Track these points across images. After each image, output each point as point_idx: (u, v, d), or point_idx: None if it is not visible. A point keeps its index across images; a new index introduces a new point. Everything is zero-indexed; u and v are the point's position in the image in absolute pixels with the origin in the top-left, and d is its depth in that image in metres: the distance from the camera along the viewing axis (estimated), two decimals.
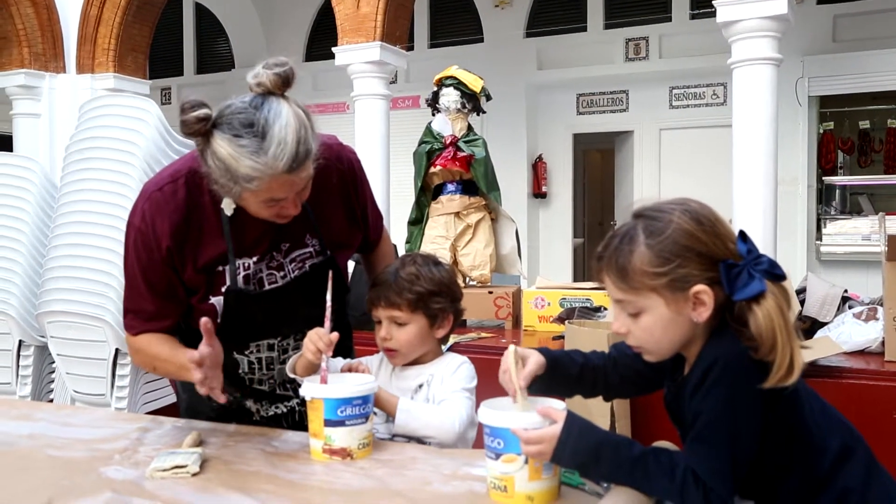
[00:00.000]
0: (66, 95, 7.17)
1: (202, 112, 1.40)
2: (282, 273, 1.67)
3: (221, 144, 1.40)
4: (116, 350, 3.04)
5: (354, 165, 1.78)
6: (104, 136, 3.08)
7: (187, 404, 1.87)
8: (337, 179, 1.72)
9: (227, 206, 1.56)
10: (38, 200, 3.42)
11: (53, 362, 3.24)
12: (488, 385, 1.75)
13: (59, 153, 3.32)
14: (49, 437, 1.62)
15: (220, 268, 1.61)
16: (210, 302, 1.63)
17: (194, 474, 1.36)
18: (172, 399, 3.34)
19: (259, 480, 1.35)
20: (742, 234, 1.21)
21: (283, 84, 1.43)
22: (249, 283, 1.64)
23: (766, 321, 1.15)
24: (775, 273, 1.17)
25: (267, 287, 1.66)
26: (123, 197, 2.97)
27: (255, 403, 1.80)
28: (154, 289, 1.62)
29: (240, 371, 1.75)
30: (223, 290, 1.62)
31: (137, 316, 1.65)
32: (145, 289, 1.62)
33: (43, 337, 3.24)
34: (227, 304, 1.62)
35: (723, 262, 1.18)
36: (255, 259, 1.63)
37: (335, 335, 1.52)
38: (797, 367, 1.14)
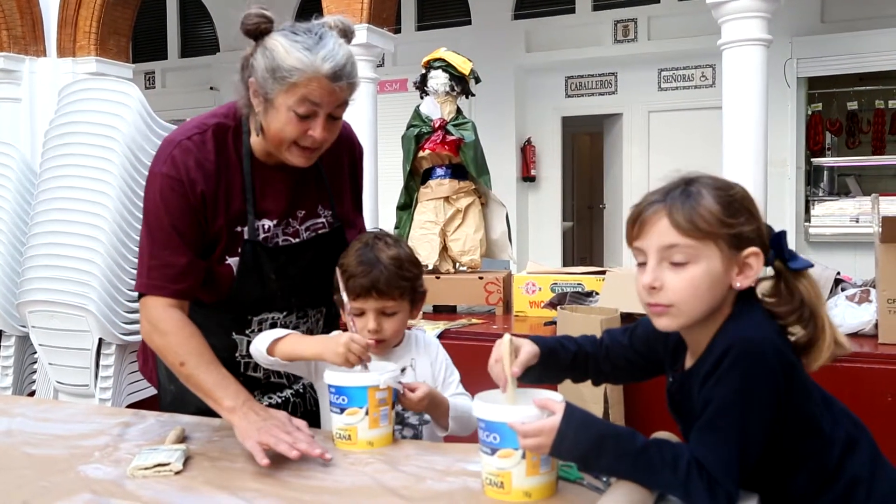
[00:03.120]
0: (46, 79, 7.05)
1: (267, 13, 1.51)
2: (297, 239, 1.68)
3: (277, 39, 1.49)
4: (100, 340, 2.98)
5: (358, 152, 1.84)
6: (84, 121, 3.01)
7: (173, 397, 1.80)
8: (347, 159, 1.78)
9: (255, 129, 1.57)
10: (17, 187, 3.35)
11: (35, 353, 3.19)
12: (479, 372, 1.71)
13: (41, 139, 3.25)
14: (27, 434, 1.57)
15: (239, 228, 1.60)
16: (227, 263, 1.61)
17: (177, 472, 1.31)
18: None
19: (245, 478, 1.30)
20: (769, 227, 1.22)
21: (342, 31, 1.54)
22: (268, 244, 1.64)
23: (813, 295, 1.18)
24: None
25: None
26: (105, 183, 2.91)
27: (255, 393, 1.74)
28: (185, 239, 1.55)
29: (237, 354, 1.70)
30: (239, 248, 1.61)
31: (165, 272, 1.55)
32: (177, 239, 1.55)
33: (24, 327, 3.18)
34: (244, 259, 1.60)
35: (776, 233, 1.19)
36: (274, 222, 1.64)
37: (371, 341, 1.54)
38: (841, 337, 1.19)
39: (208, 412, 1.70)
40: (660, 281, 1.19)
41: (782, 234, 1.18)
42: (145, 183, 1.61)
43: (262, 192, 1.62)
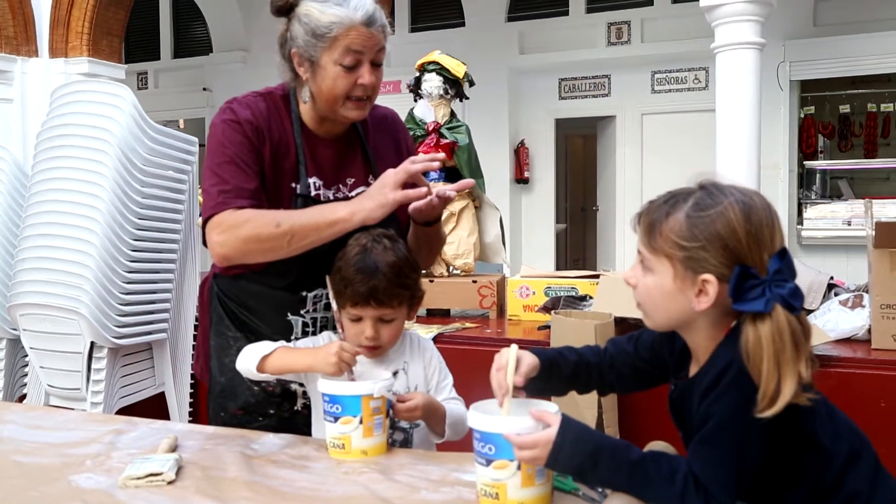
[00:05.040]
0: (38, 80, 7.00)
1: None
2: (351, 194, 1.73)
3: (309, 5, 1.61)
4: (92, 343, 2.96)
5: (409, 136, 1.94)
6: (77, 124, 2.99)
7: (222, 388, 1.78)
8: (403, 140, 1.88)
9: (304, 95, 1.67)
10: (8, 189, 3.33)
11: (26, 356, 3.16)
12: (472, 376, 1.70)
13: (32, 140, 3.23)
14: (17, 442, 1.55)
15: (293, 184, 1.67)
16: None
17: (170, 482, 1.30)
18: (151, 393, 3.27)
19: (238, 487, 1.29)
20: (783, 251, 1.16)
21: None
22: (319, 200, 1.69)
23: (755, 344, 1.11)
24: (791, 303, 1.12)
25: None
26: (97, 186, 2.89)
27: (300, 385, 1.74)
28: (251, 168, 1.62)
29: (292, 337, 1.71)
30: (294, 201, 1.66)
31: (237, 193, 1.59)
32: (244, 168, 1.62)
33: (15, 330, 3.16)
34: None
35: (739, 266, 1.13)
36: (323, 182, 1.71)
37: (361, 350, 1.55)
38: (781, 399, 1.09)
39: (256, 404, 1.74)
40: (634, 279, 1.25)
41: (743, 270, 1.13)
42: (207, 139, 1.69)
43: (312, 155, 1.71)
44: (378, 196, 1.53)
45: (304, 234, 1.53)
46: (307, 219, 1.54)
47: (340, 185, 1.73)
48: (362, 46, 1.60)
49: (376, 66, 1.64)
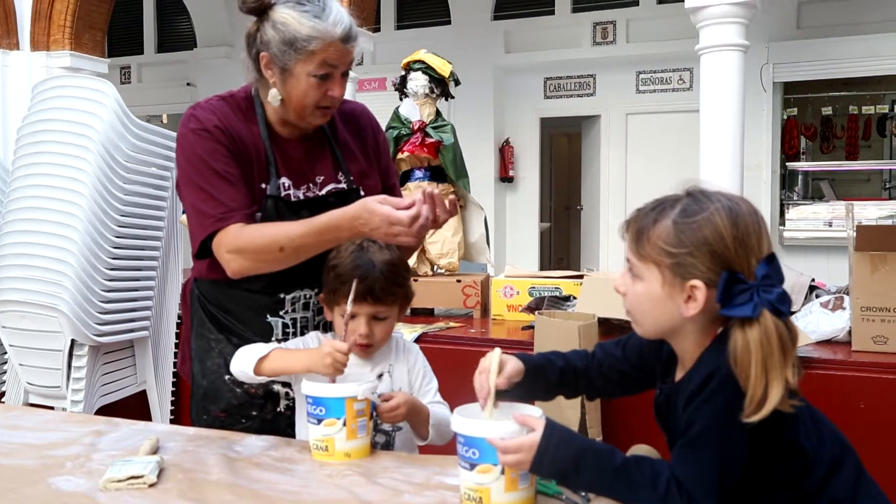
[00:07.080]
0: (20, 74, 6.92)
1: None
2: (321, 192, 1.73)
3: (285, 12, 1.57)
4: (72, 341, 2.94)
5: (381, 134, 1.91)
6: (59, 119, 2.97)
7: (205, 391, 1.77)
8: (371, 139, 1.85)
9: (274, 98, 1.63)
10: None
11: (6, 353, 3.13)
12: (456, 376, 1.71)
13: (13, 134, 3.19)
14: None
15: (263, 185, 1.65)
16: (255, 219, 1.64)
17: (151, 485, 1.29)
18: (132, 391, 3.25)
19: (220, 490, 1.28)
20: (771, 257, 1.16)
21: None
22: (289, 199, 1.68)
23: (743, 349, 1.11)
24: (778, 308, 1.13)
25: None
26: (79, 182, 2.86)
27: (283, 386, 1.74)
28: (233, 177, 1.61)
29: (273, 339, 1.71)
30: (264, 202, 1.64)
31: (229, 206, 1.58)
32: (227, 179, 1.60)
33: None
34: (266, 214, 1.63)
35: (727, 272, 1.13)
36: (292, 182, 1.69)
37: (353, 343, 1.55)
38: (768, 404, 1.10)
39: (238, 406, 1.73)
40: (624, 287, 1.25)
41: (731, 275, 1.13)
42: (175, 151, 1.67)
43: (280, 155, 1.69)
44: (385, 232, 1.48)
45: (307, 252, 1.57)
46: (312, 241, 1.54)
47: (310, 185, 1.72)
48: (338, 61, 1.61)
49: (344, 75, 1.65)
